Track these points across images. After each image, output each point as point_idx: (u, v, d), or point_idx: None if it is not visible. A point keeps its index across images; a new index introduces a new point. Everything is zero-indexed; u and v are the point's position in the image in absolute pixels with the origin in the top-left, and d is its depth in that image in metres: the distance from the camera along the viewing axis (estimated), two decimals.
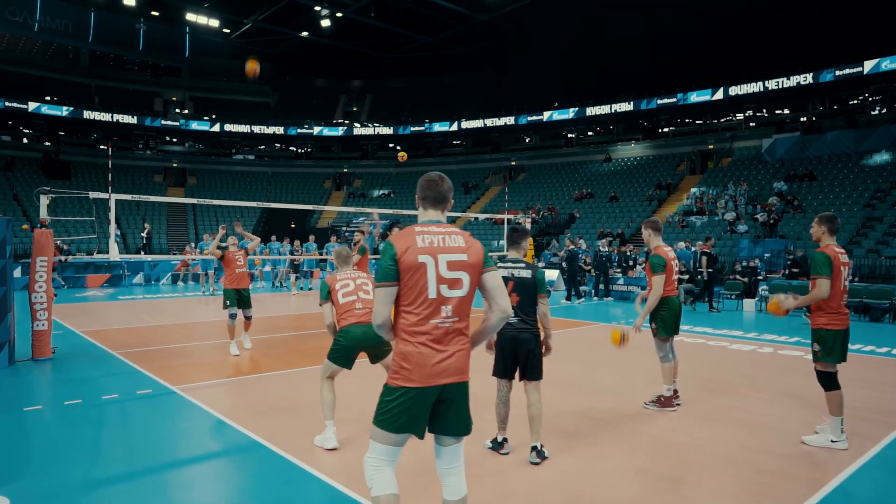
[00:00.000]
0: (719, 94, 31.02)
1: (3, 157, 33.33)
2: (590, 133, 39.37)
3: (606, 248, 16.06)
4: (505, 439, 4.16)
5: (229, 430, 4.60)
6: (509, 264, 4.10)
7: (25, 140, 36.07)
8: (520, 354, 4.05)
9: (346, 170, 41.69)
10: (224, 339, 8.70)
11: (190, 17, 35.13)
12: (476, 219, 33.41)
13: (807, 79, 27.58)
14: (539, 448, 4.00)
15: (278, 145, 42.44)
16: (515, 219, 13.87)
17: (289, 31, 37.25)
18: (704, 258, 13.35)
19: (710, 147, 32.20)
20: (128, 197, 7.57)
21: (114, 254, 8.16)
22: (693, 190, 27.71)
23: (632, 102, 34.26)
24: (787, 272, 14.83)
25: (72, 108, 34.86)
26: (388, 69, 43.46)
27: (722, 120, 33.86)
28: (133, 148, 39.06)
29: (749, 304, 13.33)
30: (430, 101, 42.22)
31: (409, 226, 2.62)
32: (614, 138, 37.59)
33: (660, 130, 36.53)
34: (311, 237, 19.15)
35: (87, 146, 37.30)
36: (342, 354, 4.25)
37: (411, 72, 43.39)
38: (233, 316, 7.52)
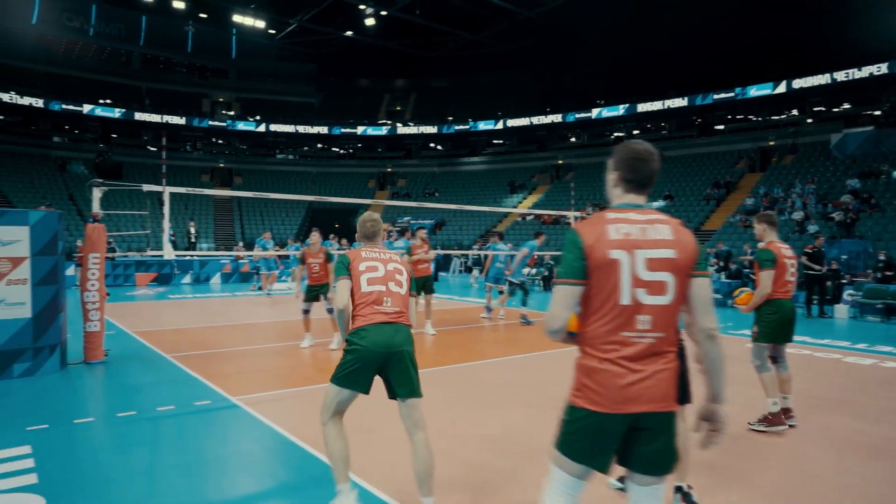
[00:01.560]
0: (782, 88, 29.38)
1: (58, 157, 34.25)
2: (636, 131, 37.96)
3: None
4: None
5: (303, 455, 4.00)
6: None
7: (80, 141, 36.99)
8: None
9: (389, 169, 41.41)
10: (283, 343, 8.23)
11: (237, 18, 35.40)
12: (524, 218, 32.57)
13: (881, 69, 25.76)
14: (685, 489, 3.25)
15: (322, 145, 42.47)
16: (584, 214, 13.03)
17: (333, 30, 37.16)
18: (804, 258, 12.20)
19: (771, 143, 30.55)
20: (182, 190, 7.13)
21: (168, 252, 7.78)
22: (758, 189, 26.23)
23: (686, 98, 32.85)
24: (878, 275, 13.54)
25: (124, 110, 35.59)
26: (431, 68, 42.98)
27: (784, 115, 32.08)
28: (181, 148, 39.68)
29: (841, 311, 12.15)
30: (474, 100, 41.55)
31: (599, 212, 2.06)
32: (666, 135, 36.13)
33: (715, 127, 34.91)
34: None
35: (138, 147, 38.04)
36: (357, 367, 2.93)
37: (455, 70, 42.81)
38: (306, 311, 7.74)
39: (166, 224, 7.04)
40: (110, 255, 15.00)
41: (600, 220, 1.99)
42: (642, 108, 34.59)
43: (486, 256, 12.29)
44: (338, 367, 2.99)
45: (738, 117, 34.01)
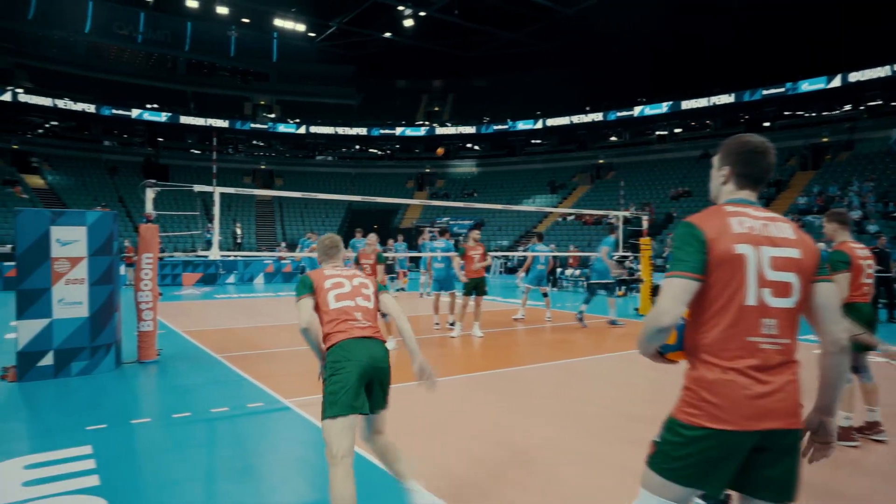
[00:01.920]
0: (836, 81, 28.15)
1: (108, 161, 35.42)
2: (677, 130, 36.94)
3: None
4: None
5: (360, 461, 3.86)
6: None
7: (128, 145, 38.19)
8: None
9: (428, 170, 41.43)
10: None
11: (278, 22, 36.01)
12: (564, 218, 32.10)
13: None
14: None
15: (361, 146, 42.78)
16: (629, 216, 12.66)
17: (373, 32, 37.39)
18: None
19: (825, 140, 29.29)
20: (231, 190, 7.13)
21: (214, 252, 7.81)
22: (812, 187, 25.16)
23: (733, 94, 31.84)
24: None
25: (170, 114, 36.58)
26: (469, 68, 42.81)
27: (837, 110, 30.72)
28: (224, 151, 40.56)
29: None
30: (513, 100, 41.21)
31: (714, 206, 1.88)
32: (712, 132, 35.05)
33: (763, 124, 33.69)
34: (400, 237, 18.75)
35: (182, 150, 39.05)
36: (349, 387, 2.62)
37: (493, 70, 42.55)
38: None
39: (216, 225, 7.05)
40: (162, 255, 15.32)
41: (718, 212, 1.82)
42: (686, 105, 33.68)
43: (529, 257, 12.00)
44: (328, 396, 2.67)
45: (787, 113, 32.73)
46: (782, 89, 30.14)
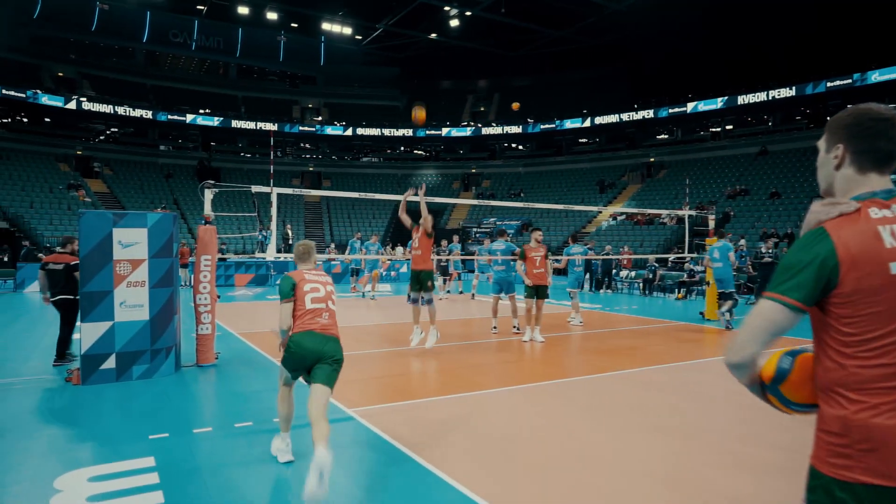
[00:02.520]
0: None
1: (164, 165, 36.56)
2: (729, 126, 35.43)
3: (772, 250, 13.77)
4: None
5: (440, 485, 3.59)
6: None
7: (182, 149, 39.34)
8: None
9: (473, 170, 41.13)
10: (390, 349, 7.99)
11: (325, 26, 36.43)
12: (614, 218, 31.25)
13: None
14: None
15: (406, 148, 42.85)
16: (698, 214, 12.06)
17: (418, 33, 37.39)
18: None
19: None
20: (287, 190, 6.99)
21: (270, 253, 7.71)
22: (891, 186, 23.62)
23: (794, 87, 30.27)
24: None
25: (222, 118, 37.47)
26: (514, 67, 42.30)
27: None
28: (273, 154, 41.30)
29: None
30: (559, 98, 40.48)
31: (853, 211, 1.42)
32: (770, 128, 33.49)
33: (827, 118, 31.91)
34: (455, 237, 18.56)
35: (234, 153, 39.96)
36: (292, 363, 3.71)
37: (539, 69, 41.92)
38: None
39: (273, 226, 6.93)
40: (224, 256, 15.44)
41: (861, 218, 1.40)
42: (743, 100, 32.24)
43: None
44: (284, 360, 3.75)
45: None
46: (849, 81, 28.47)
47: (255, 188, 6.78)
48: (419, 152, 43.17)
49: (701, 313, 11.40)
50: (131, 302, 5.92)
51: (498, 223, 33.35)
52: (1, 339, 8.63)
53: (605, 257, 15.84)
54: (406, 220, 7.61)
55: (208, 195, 6.57)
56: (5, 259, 21.45)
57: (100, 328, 5.80)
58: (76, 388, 5.70)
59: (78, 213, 5.92)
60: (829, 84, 29.09)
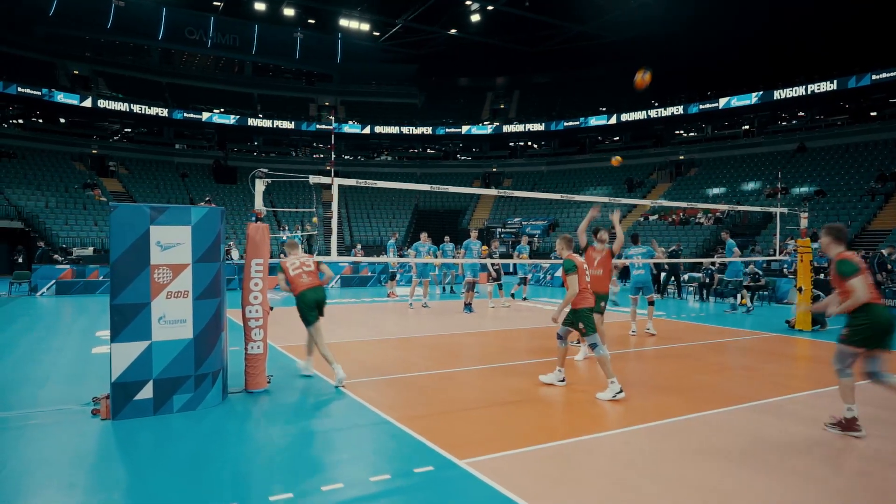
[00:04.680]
0: None
1: (180, 164, 35.72)
2: (760, 122, 34.04)
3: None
4: None
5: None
6: None
7: (198, 148, 38.50)
8: None
9: (494, 169, 40.01)
10: (479, 366, 6.90)
11: (343, 22, 35.49)
12: (645, 218, 30.05)
13: None
14: None
15: (424, 146, 41.78)
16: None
17: (437, 29, 36.36)
18: None
19: None
20: (352, 182, 5.91)
21: (332, 256, 6.66)
22: None
23: (835, 81, 28.89)
24: None
25: (238, 117, 36.58)
26: (535, 64, 41.14)
27: None
28: (289, 153, 40.40)
29: None
30: (582, 95, 39.28)
31: None
32: (809, 124, 32.10)
33: (871, 113, 30.52)
34: (524, 238, 17.83)
35: (249, 152, 39.06)
36: (304, 310, 5.96)
37: (560, 65, 40.72)
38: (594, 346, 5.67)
39: (334, 222, 5.86)
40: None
41: None
42: (779, 94, 30.88)
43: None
44: (302, 316, 6.01)
45: None
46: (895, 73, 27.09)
47: (313, 178, 5.70)
48: (438, 150, 42.04)
49: (787, 322, 10.21)
50: (172, 317, 4.83)
51: (523, 223, 32.21)
52: (16, 354, 7.60)
53: (675, 261, 14.60)
54: (583, 238, 7.09)
55: (259, 186, 5.48)
56: (20, 261, 20.55)
57: (134, 349, 4.71)
58: (104, 423, 4.62)
59: (109, 206, 4.84)
60: (874, 77, 27.71)
